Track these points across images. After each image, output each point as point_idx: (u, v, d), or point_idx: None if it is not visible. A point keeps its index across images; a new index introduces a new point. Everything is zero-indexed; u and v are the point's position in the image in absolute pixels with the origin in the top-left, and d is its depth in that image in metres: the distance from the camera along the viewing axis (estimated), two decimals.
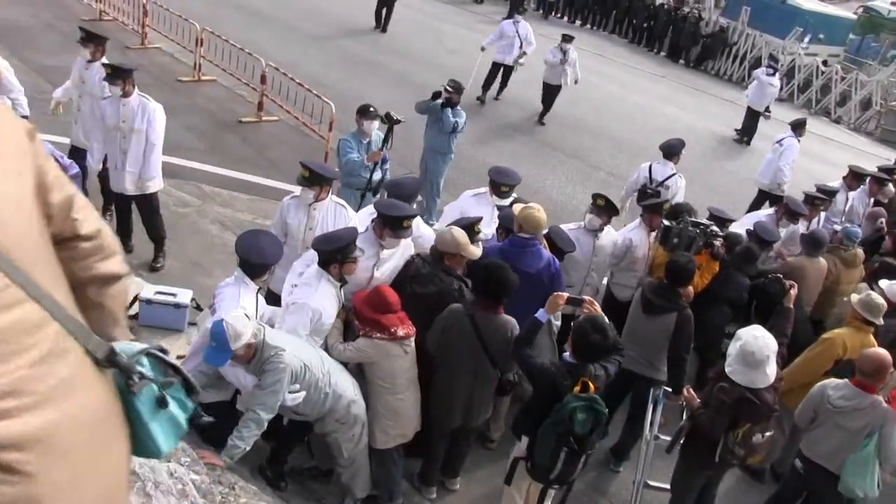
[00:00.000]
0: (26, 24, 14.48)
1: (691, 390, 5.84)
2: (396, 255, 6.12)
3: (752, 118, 17.25)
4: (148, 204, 8.00)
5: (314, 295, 5.31)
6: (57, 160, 6.14)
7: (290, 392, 4.80)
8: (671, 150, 9.74)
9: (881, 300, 6.51)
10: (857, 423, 5.59)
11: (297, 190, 6.59)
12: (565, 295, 5.38)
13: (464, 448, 6.16)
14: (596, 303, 5.42)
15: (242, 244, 5.32)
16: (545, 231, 6.60)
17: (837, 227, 9.13)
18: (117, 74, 7.44)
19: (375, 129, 8.46)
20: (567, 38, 15.25)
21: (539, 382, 5.21)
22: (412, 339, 5.49)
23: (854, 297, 6.65)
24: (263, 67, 12.78)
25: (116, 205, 7.90)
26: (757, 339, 5.35)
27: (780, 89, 18.55)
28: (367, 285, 5.88)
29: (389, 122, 8.33)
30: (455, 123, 9.79)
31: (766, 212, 8.80)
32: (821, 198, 9.17)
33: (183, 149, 10.55)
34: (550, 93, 15.52)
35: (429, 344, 5.67)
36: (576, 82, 15.69)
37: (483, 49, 15.37)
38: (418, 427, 5.74)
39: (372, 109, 8.41)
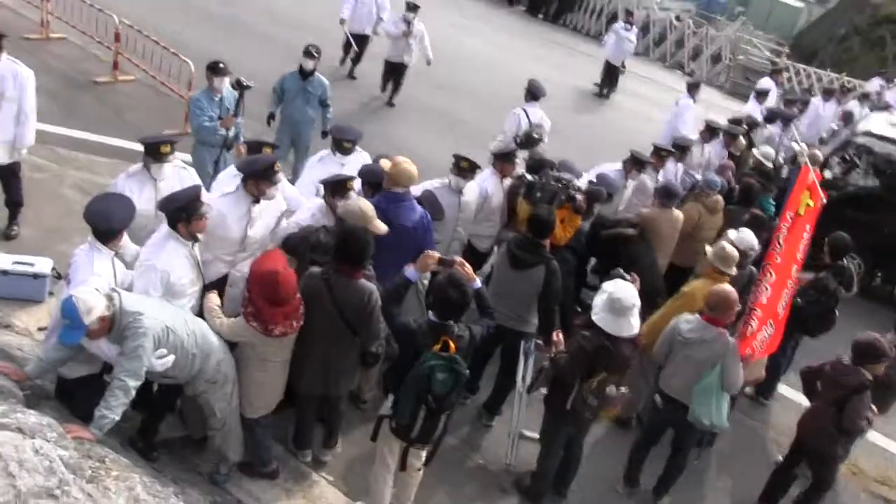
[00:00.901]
0: None
1: (560, 335, 6.11)
2: (268, 213, 6.18)
3: (610, 72, 17.85)
4: (12, 171, 7.70)
5: (160, 255, 5.26)
6: None
7: (157, 357, 4.72)
8: (538, 91, 10.26)
9: (734, 250, 6.90)
10: (703, 353, 6.00)
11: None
12: (436, 255, 5.41)
13: (334, 418, 6.13)
14: (466, 264, 5.43)
15: (89, 209, 5.16)
16: (417, 195, 6.69)
17: (698, 177, 9.67)
18: None
19: (227, 86, 8.36)
20: (411, 7, 13.85)
21: (401, 340, 5.29)
22: (295, 328, 5.30)
23: (708, 250, 7.02)
24: (117, 24, 12.20)
25: None
26: (624, 288, 5.69)
27: (636, 44, 19.17)
28: (241, 245, 5.96)
29: (240, 87, 8.20)
30: (322, 96, 9.75)
31: (613, 166, 9.11)
32: (667, 150, 9.67)
33: (35, 111, 10.00)
34: (396, 72, 14.16)
35: None
36: (428, 63, 14.37)
37: (342, 22, 14.27)
38: (281, 396, 5.70)
39: (222, 66, 8.30)
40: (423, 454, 5.37)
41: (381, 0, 14.52)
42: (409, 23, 13.76)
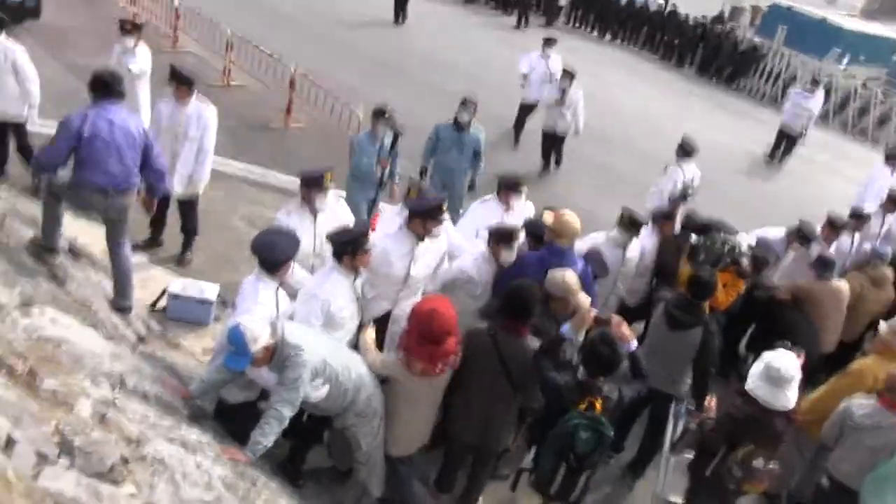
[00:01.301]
0: (65, 26, 14.67)
1: (713, 401, 5.85)
2: (430, 253, 6.26)
3: (782, 139, 17.16)
4: (191, 203, 8.22)
5: (324, 285, 5.42)
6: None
7: (313, 388, 4.84)
8: (690, 147, 10.11)
9: None
10: (879, 440, 5.52)
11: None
12: (593, 311, 5.31)
13: (479, 475, 5.99)
14: (625, 323, 5.27)
15: (257, 241, 5.37)
16: (584, 254, 6.66)
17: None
18: (179, 80, 7.64)
19: (388, 132, 8.56)
20: (567, 74, 13.04)
21: (547, 395, 5.14)
22: (439, 373, 5.28)
23: (882, 326, 6.48)
24: (292, 73, 12.89)
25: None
26: (785, 358, 5.32)
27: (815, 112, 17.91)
28: (404, 283, 6.06)
29: (394, 133, 8.43)
30: (476, 148, 9.77)
31: (778, 230, 8.70)
32: (840, 220, 8.96)
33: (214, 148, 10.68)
34: (552, 141, 13.52)
35: None
36: (576, 133, 13.45)
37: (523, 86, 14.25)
38: (426, 440, 5.69)
39: (387, 114, 8.51)
40: None
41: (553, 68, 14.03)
42: (563, 91, 13.01)
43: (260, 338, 4.64)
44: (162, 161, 6.45)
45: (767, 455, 5.25)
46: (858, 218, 9.35)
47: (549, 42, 14.44)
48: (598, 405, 4.71)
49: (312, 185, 6.36)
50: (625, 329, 5.19)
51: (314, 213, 6.41)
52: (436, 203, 6.16)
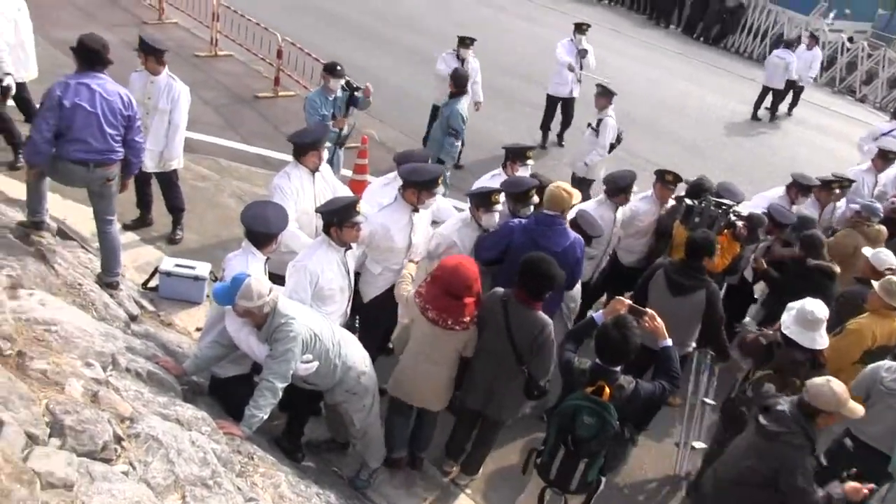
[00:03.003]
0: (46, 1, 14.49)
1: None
2: (424, 220, 6.31)
3: (765, 95, 17.12)
4: (167, 178, 8.05)
5: (312, 257, 5.41)
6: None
7: (302, 362, 4.84)
8: (613, 93, 10.15)
9: None
10: None
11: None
12: (627, 301, 5.17)
13: (482, 443, 6.06)
14: (657, 318, 5.07)
15: (247, 214, 5.31)
16: (572, 217, 6.57)
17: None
18: (146, 50, 7.47)
19: (340, 87, 8.62)
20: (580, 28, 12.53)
21: (563, 375, 5.04)
22: (448, 328, 5.34)
23: (875, 284, 6.49)
24: (279, 42, 12.78)
25: (135, 178, 7.85)
26: (814, 302, 5.59)
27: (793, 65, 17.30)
28: (407, 253, 6.09)
29: (350, 89, 8.65)
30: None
31: (776, 192, 8.64)
32: (836, 179, 8.97)
33: (200, 123, 10.57)
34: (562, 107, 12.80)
35: None
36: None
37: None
38: (428, 402, 5.76)
39: (339, 68, 8.55)
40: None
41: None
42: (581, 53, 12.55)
43: (262, 296, 4.65)
44: (140, 137, 6.34)
45: (780, 383, 5.45)
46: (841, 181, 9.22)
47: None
48: (608, 392, 4.55)
49: (308, 147, 6.33)
50: (659, 325, 5.04)
51: (312, 172, 6.41)
52: (435, 175, 6.13)
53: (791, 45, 17.47)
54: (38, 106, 5.88)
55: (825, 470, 6.06)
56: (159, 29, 14.24)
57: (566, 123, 13.01)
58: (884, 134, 12.10)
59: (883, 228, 8.09)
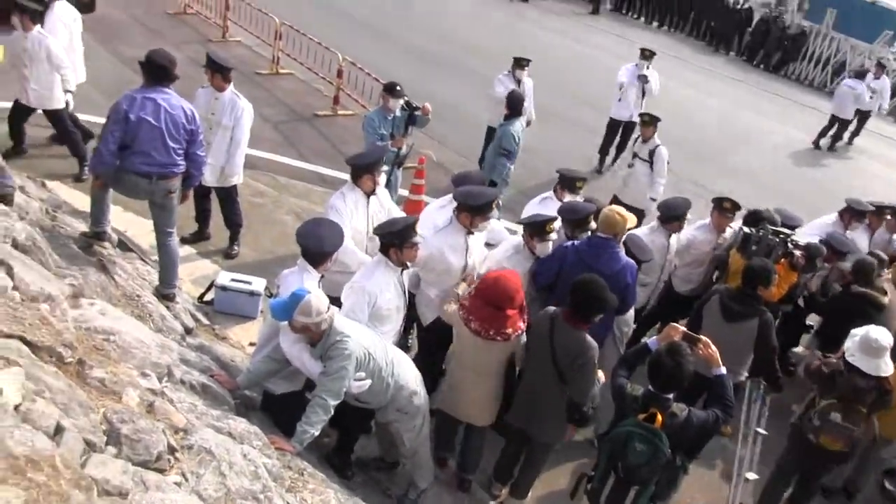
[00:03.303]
0: (118, 19, 14.92)
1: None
2: (478, 243, 6.33)
3: (832, 125, 16.80)
4: (227, 193, 8.18)
5: (371, 279, 5.41)
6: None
7: (355, 380, 4.83)
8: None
9: None
10: None
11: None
12: (681, 328, 5.12)
13: (529, 466, 6.00)
14: (711, 344, 5.00)
15: (302, 232, 5.34)
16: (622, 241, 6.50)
17: None
18: (213, 67, 7.64)
19: (400, 107, 8.65)
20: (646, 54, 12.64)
21: (615, 401, 4.99)
22: (490, 338, 5.34)
23: None
24: (340, 62, 12.94)
25: (195, 192, 8.00)
26: (879, 329, 5.62)
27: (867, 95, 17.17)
28: (462, 274, 6.09)
29: (409, 108, 8.68)
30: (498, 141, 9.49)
31: (829, 219, 8.55)
32: (890, 207, 8.83)
33: (260, 140, 10.73)
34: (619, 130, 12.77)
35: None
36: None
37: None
38: (473, 416, 5.78)
39: (399, 88, 8.58)
40: None
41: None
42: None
43: (320, 313, 4.66)
44: (202, 150, 6.47)
45: (845, 411, 5.56)
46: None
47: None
48: (660, 419, 4.52)
49: (364, 170, 6.36)
50: (713, 352, 4.96)
51: (367, 195, 6.44)
52: (489, 199, 6.13)
53: (862, 75, 17.22)
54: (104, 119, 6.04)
55: None
56: (223, 47, 14.58)
57: (622, 147, 12.86)
58: None
59: None
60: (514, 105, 9.48)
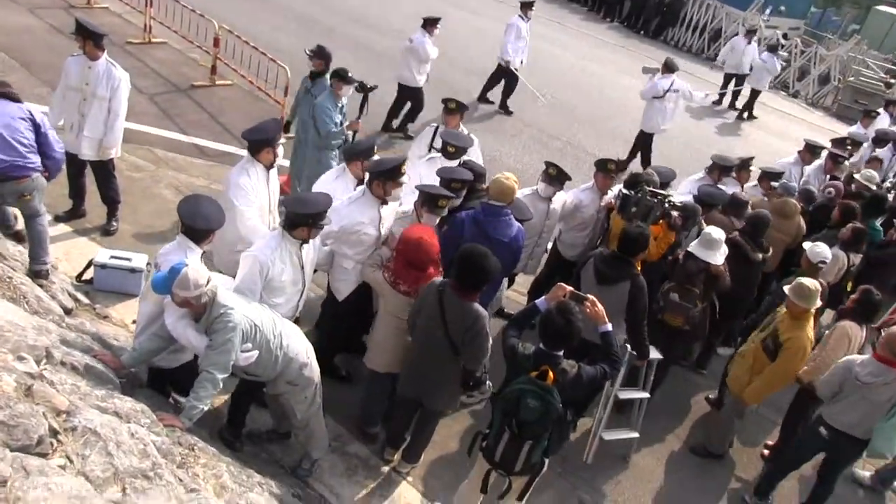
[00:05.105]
0: None
1: None
2: (391, 212, 6.35)
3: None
4: (104, 168, 7.90)
5: (265, 249, 5.36)
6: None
7: (242, 351, 4.80)
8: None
9: (813, 284, 6.45)
10: (884, 395, 5.99)
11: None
12: (568, 288, 5.22)
13: (419, 432, 6.12)
14: (598, 304, 5.15)
15: (186, 210, 5.20)
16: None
17: None
18: (85, 34, 7.33)
19: (353, 89, 8.61)
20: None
21: (507, 360, 5.09)
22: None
23: (786, 289, 6.58)
24: (216, 30, 12.56)
25: (69, 167, 7.63)
26: (716, 229, 6.94)
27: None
28: (375, 245, 6.12)
29: (364, 90, 8.57)
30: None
31: (696, 177, 8.98)
32: (749, 158, 9.46)
33: (135, 113, 10.31)
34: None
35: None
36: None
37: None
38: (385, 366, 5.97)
39: (350, 75, 8.49)
40: (512, 486, 5.08)
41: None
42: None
43: (199, 286, 4.59)
44: (58, 147, 6.41)
45: (681, 292, 6.85)
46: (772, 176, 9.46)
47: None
48: (552, 376, 4.64)
49: (264, 144, 6.26)
50: (599, 310, 5.11)
51: (267, 168, 6.35)
52: (397, 163, 6.12)
53: (774, 48, 18.25)
54: None
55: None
56: (88, 14, 13.81)
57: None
58: None
59: (791, 201, 8.42)
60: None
